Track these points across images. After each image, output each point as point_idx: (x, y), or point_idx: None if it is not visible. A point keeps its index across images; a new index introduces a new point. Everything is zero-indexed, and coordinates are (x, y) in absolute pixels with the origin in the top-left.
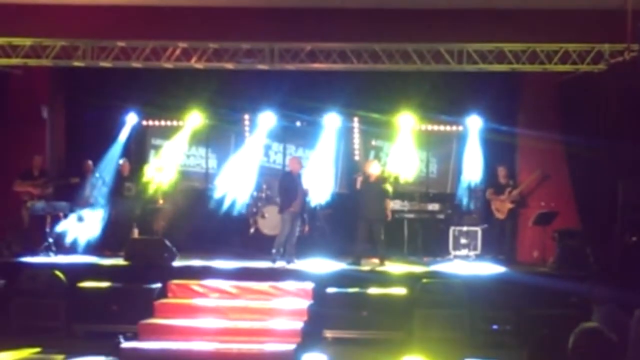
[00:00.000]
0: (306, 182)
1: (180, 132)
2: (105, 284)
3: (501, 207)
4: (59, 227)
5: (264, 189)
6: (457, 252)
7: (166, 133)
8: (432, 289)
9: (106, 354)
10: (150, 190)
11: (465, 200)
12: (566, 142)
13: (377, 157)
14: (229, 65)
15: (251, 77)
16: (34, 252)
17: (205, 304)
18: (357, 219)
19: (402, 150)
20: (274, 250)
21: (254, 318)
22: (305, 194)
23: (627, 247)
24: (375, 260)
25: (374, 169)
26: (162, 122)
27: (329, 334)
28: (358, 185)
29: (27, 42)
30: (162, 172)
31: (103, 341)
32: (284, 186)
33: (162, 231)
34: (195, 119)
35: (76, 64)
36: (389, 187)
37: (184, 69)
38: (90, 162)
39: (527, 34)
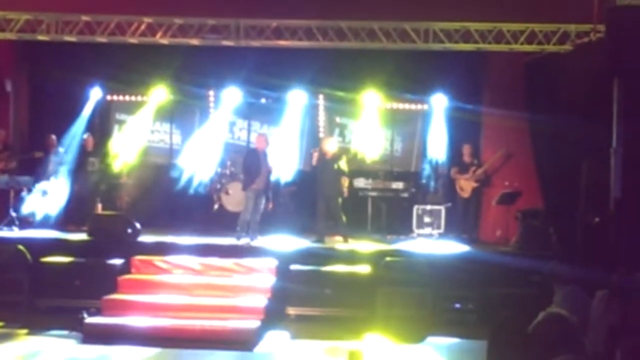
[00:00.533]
0: (271, 160)
1: (144, 107)
2: (68, 259)
3: (465, 186)
4: (23, 201)
5: (228, 165)
6: (421, 231)
7: (130, 108)
8: (396, 267)
9: (69, 329)
10: (114, 165)
11: (429, 179)
12: (531, 121)
13: (342, 134)
14: (194, 41)
15: (216, 53)
16: None
17: (168, 280)
18: (316, 196)
19: (367, 128)
20: (238, 228)
21: (217, 295)
22: (269, 171)
23: (590, 228)
24: (339, 238)
25: (330, 146)
26: (127, 97)
27: (292, 311)
28: (314, 162)
29: None
30: (126, 147)
31: (66, 316)
32: (247, 163)
33: (125, 206)
34: (159, 94)
35: (40, 37)
36: (344, 165)
37: (149, 44)
38: (53, 137)
39: (494, 14)
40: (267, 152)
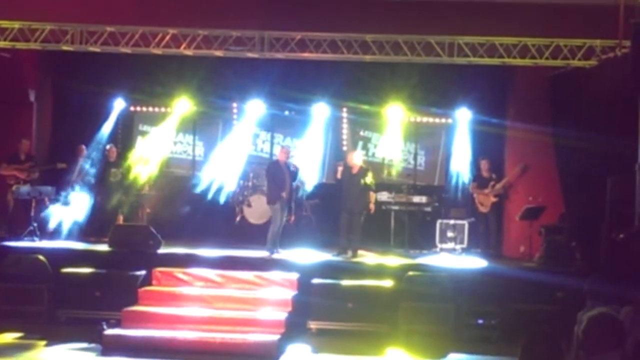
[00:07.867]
0: (292, 172)
1: (168, 118)
2: (89, 270)
3: (484, 200)
4: (44, 212)
5: (251, 177)
6: (444, 245)
7: (154, 119)
8: (418, 281)
9: (89, 341)
10: (137, 176)
11: (452, 193)
12: (555, 136)
13: (365, 147)
14: (219, 53)
15: (240, 65)
16: (18, 237)
17: (189, 292)
18: (340, 210)
19: (391, 141)
20: (268, 244)
21: (238, 307)
22: (292, 183)
23: (614, 244)
24: (361, 252)
25: (355, 159)
26: (150, 109)
27: (313, 325)
28: (338, 175)
29: (16, 24)
30: (148, 158)
31: (86, 327)
32: (272, 175)
33: (147, 218)
34: (183, 105)
35: (65, 48)
36: (371, 179)
37: (173, 56)
38: (83, 146)
39: (519, 28)
40: (289, 164)
